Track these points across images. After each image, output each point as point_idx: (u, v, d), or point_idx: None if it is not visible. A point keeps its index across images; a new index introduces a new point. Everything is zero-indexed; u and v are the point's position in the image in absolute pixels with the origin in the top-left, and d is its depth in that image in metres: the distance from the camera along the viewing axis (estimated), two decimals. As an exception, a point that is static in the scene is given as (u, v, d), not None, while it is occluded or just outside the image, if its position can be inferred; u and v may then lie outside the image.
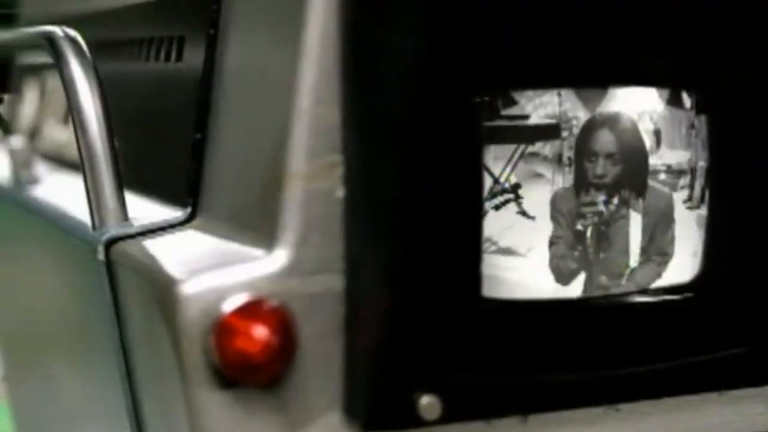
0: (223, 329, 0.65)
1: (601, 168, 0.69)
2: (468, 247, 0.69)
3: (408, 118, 0.67)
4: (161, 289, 0.67)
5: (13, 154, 0.99)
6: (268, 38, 0.71)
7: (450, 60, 0.66)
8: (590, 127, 0.69)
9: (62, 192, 0.93)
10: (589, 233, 0.69)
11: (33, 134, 1.11)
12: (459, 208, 0.68)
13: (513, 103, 0.68)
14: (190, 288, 0.66)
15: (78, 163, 0.96)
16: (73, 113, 0.76)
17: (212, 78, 0.77)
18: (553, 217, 0.69)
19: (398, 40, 0.66)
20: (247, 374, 0.66)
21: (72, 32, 0.78)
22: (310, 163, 0.67)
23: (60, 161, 1.03)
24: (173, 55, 0.82)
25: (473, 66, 0.66)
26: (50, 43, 0.78)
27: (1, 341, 1.24)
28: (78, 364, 0.87)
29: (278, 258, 0.67)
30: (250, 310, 0.65)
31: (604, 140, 0.70)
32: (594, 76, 0.69)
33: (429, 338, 0.68)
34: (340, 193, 0.67)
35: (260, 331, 0.65)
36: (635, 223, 0.71)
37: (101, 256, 0.75)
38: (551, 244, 0.70)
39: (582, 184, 0.68)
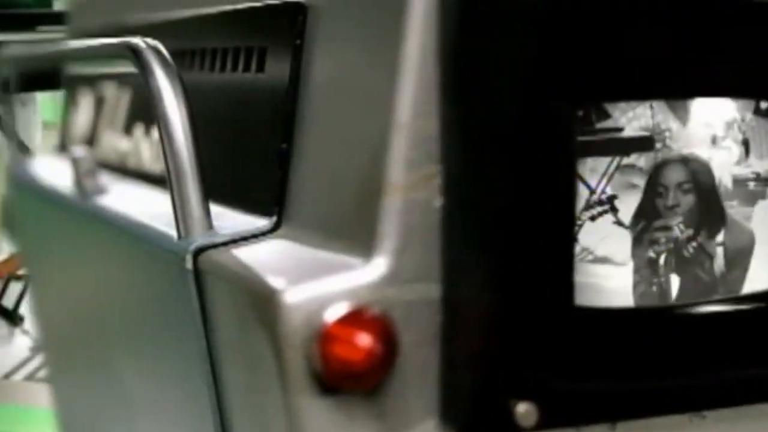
0: (326, 338, 0.66)
1: (673, 198, 0.71)
2: (562, 256, 0.70)
3: (506, 130, 0.68)
4: (260, 298, 0.68)
5: (76, 163, 0.99)
6: (360, 50, 0.73)
7: (548, 74, 0.67)
8: (664, 157, 0.71)
9: (132, 201, 0.94)
10: (665, 254, 0.71)
11: (89, 144, 1.12)
12: (553, 218, 0.69)
13: (607, 116, 0.69)
14: (292, 297, 0.67)
15: (143, 173, 0.98)
16: (159, 123, 0.77)
17: (298, 88, 0.78)
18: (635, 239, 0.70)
19: (498, 53, 0.67)
20: (350, 382, 0.67)
21: (155, 43, 0.79)
22: (408, 174, 0.68)
23: (121, 171, 1.04)
24: (253, 66, 0.83)
25: (571, 80, 0.68)
26: (134, 53, 0.79)
27: (51, 348, 1.24)
28: (153, 370, 0.88)
29: (377, 267, 0.68)
30: (353, 319, 0.67)
31: (677, 168, 0.71)
32: (685, 88, 0.71)
33: (524, 346, 0.69)
34: (437, 202, 0.69)
35: (364, 340, 0.66)
36: (716, 239, 0.73)
37: (189, 264, 0.76)
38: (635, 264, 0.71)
39: (654, 209, 0.70)
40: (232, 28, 0.88)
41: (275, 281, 0.68)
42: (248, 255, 0.75)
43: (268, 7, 0.82)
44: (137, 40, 0.80)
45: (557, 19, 0.66)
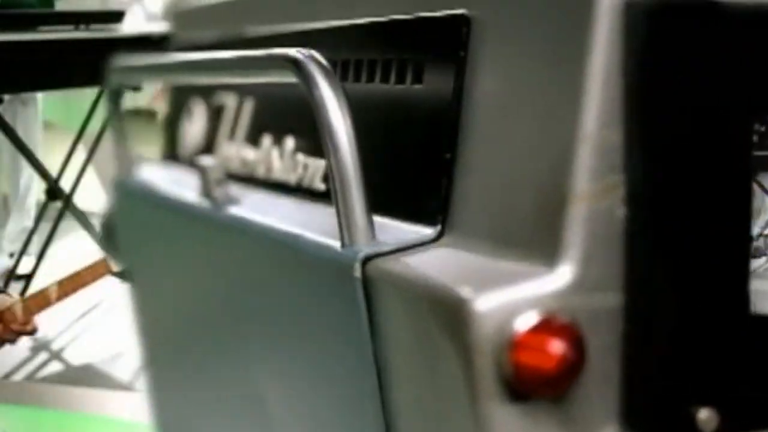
0: (519, 346, 0.68)
1: None
2: (739, 266, 0.71)
3: (687, 142, 0.70)
4: (447, 306, 0.70)
5: (205, 172, 1.01)
6: (536, 62, 0.74)
7: (730, 88, 0.69)
8: None
9: (269, 211, 0.95)
10: None
11: (203, 153, 1.13)
12: (731, 228, 0.71)
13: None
14: (482, 305, 0.68)
15: (272, 182, 0.99)
16: (323, 135, 0.79)
17: (461, 100, 0.79)
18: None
19: (681, 67, 0.69)
20: (542, 389, 0.69)
21: (315, 53, 0.80)
22: (592, 184, 0.70)
23: (245, 180, 1.05)
24: (409, 77, 0.85)
25: (752, 95, 0.69)
26: (295, 64, 0.80)
27: (161, 359, 1.25)
28: (305, 379, 0.89)
29: (563, 275, 0.70)
30: (544, 326, 0.68)
31: None
32: None
33: (705, 353, 0.71)
34: (620, 212, 0.70)
35: (556, 347, 0.68)
36: None
37: (357, 273, 0.77)
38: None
39: None
40: (388, 40, 0.89)
41: (464, 289, 0.70)
42: (420, 263, 0.76)
43: (428, 19, 0.83)
44: (297, 52, 0.82)
45: (739, 36, 0.68)
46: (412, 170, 0.84)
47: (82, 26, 4.77)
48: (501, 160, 0.77)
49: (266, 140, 1.05)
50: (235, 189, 1.03)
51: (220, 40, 1.15)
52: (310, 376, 0.88)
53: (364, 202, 0.79)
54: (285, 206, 0.97)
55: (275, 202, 0.98)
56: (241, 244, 0.97)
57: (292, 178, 0.99)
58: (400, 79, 0.87)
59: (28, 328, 2.95)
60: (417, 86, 0.85)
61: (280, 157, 1.02)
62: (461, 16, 0.80)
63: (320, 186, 0.95)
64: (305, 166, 0.97)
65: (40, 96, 5.60)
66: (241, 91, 1.10)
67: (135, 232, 1.23)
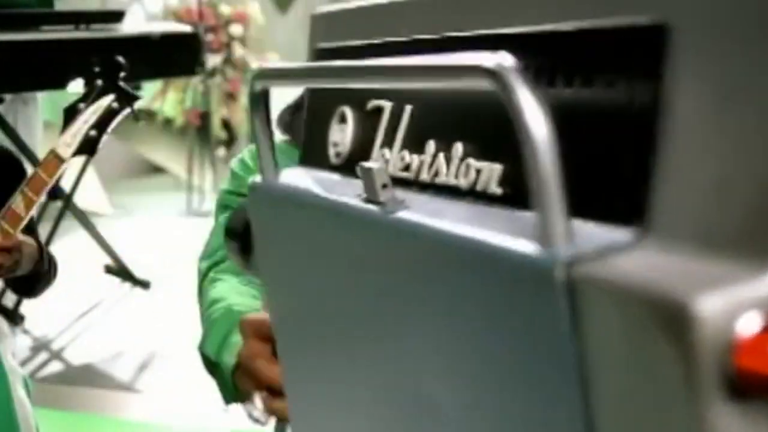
0: (742, 348, 0.72)
1: None
2: None
3: None
4: (666, 309, 0.74)
5: (370, 176, 1.05)
6: (746, 66, 0.78)
7: None
8: None
9: (446, 215, 0.99)
10: None
11: (358, 157, 1.17)
12: None
13: None
14: (704, 307, 0.73)
15: (438, 185, 1.03)
16: (524, 139, 0.82)
17: (661, 104, 0.83)
18: None
19: None
20: (765, 391, 0.71)
21: (511, 60, 0.84)
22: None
23: (408, 184, 1.09)
24: (601, 83, 0.88)
25: None
26: (490, 71, 0.84)
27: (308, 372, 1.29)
28: (491, 388, 0.93)
29: (778, 278, 0.73)
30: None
31: None
32: None
33: None
34: None
35: (782, 348, 0.71)
36: None
37: (561, 276, 0.81)
38: None
39: None
40: (576, 47, 0.93)
41: (684, 291, 0.73)
42: (627, 265, 0.80)
43: (623, 27, 0.87)
44: (490, 57, 0.85)
45: None
46: (606, 173, 0.88)
47: (82, 26, 4.86)
48: (706, 165, 0.80)
49: (429, 145, 1.09)
50: (400, 193, 1.07)
51: (370, 45, 1.19)
52: (499, 387, 0.92)
53: (563, 205, 0.83)
54: (457, 210, 1.00)
55: (445, 207, 1.02)
56: (415, 248, 1.00)
57: (462, 183, 1.03)
58: (588, 84, 0.91)
59: (11, 243, 2.89)
60: (609, 90, 0.89)
61: (446, 162, 1.06)
62: (660, 22, 0.84)
63: (496, 190, 0.99)
64: (478, 171, 1.01)
65: (40, 95, 5.69)
66: (398, 96, 1.14)
67: (280, 238, 1.27)
